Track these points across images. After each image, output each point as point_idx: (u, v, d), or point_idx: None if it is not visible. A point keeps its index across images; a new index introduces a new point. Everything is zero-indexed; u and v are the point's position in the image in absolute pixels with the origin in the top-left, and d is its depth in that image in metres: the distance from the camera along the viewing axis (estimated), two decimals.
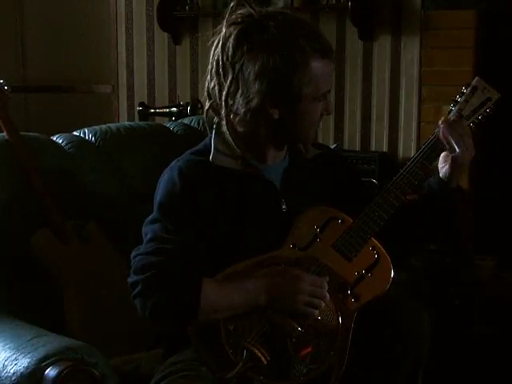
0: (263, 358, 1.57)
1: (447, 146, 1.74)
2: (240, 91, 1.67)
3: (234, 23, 1.67)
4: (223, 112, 1.70)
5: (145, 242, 1.66)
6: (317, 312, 1.62)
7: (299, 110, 1.69)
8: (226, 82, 1.67)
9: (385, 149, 3.49)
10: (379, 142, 3.52)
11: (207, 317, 1.60)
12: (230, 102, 1.69)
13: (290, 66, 1.63)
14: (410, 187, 1.75)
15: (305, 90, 1.66)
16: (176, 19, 3.96)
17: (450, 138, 1.73)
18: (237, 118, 1.72)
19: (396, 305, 1.71)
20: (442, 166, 1.78)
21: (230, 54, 1.66)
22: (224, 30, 1.68)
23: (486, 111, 1.80)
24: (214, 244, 1.68)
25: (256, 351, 1.57)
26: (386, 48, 3.44)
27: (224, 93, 1.68)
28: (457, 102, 1.80)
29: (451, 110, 1.80)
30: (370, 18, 3.44)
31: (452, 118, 1.77)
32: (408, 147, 3.43)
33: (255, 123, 1.72)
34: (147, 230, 1.67)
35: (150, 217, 1.69)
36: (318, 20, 3.57)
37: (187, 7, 3.90)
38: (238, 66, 1.65)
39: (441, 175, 1.78)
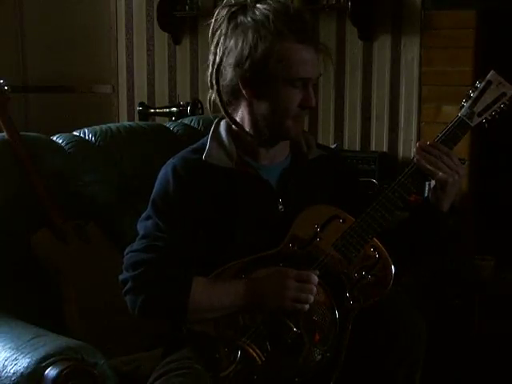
0: (257, 358, 1.56)
1: (427, 173, 1.68)
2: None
3: (226, 5, 1.69)
4: (219, 103, 1.71)
5: (137, 239, 1.67)
6: (306, 307, 1.59)
7: (271, 92, 1.65)
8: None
9: (385, 149, 3.49)
10: (379, 142, 3.51)
11: (197, 316, 1.60)
12: (218, 84, 1.69)
13: (258, 41, 1.62)
14: (416, 187, 1.69)
15: (274, 68, 1.63)
16: (176, 19, 3.96)
17: (426, 165, 1.66)
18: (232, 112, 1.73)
19: (391, 308, 1.68)
20: (433, 187, 1.70)
21: (218, 34, 1.69)
22: (217, 12, 1.70)
23: (499, 107, 1.73)
24: (207, 243, 1.68)
25: (250, 351, 1.56)
26: (386, 48, 3.44)
27: (214, 71, 1.69)
28: (469, 96, 1.73)
29: (463, 105, 1.73)
30: (370, 18, 3.44)
31: (427, 143, 1.69)
32: (408, 147, 3.42)
33: (239, 111, 1.71)
34: (140, 227, 1.69)
35: (144, 214, 1.70)
36: (318, 20, 3.57)
37: (187, 7, 3.90)
38: (223, 47, 1.67)
39: (431, 199, 1.71)
